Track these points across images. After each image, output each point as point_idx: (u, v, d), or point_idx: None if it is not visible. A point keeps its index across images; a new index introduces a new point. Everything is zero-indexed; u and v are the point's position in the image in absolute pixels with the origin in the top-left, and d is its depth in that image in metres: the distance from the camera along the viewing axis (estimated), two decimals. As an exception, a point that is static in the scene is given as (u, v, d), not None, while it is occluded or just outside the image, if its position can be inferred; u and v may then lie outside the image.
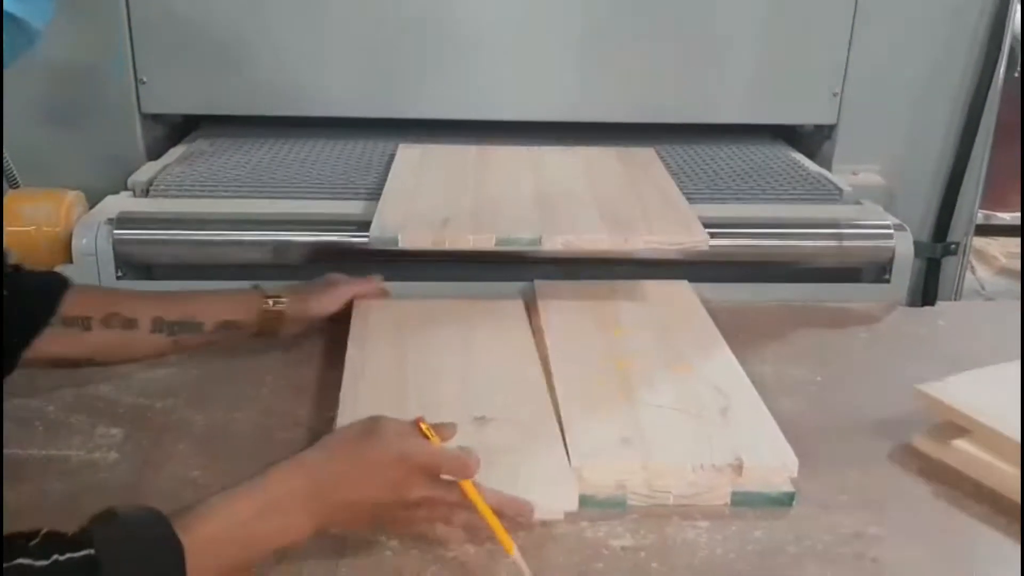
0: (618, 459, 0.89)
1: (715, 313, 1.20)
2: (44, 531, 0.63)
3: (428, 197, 1.32)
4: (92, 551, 0.62)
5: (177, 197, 1.41)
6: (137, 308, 1.06)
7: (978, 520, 0.89)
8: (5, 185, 1.43)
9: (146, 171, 1.48)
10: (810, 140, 1.70)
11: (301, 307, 1.13)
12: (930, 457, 0.97)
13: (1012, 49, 1.65)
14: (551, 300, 1.22)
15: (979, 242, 3.04)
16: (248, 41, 1.53)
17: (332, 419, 0.94)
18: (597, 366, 1.07)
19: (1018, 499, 0.88)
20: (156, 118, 1.61)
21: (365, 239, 1.20)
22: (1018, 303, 1.39)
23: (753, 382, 1.03)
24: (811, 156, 1.66)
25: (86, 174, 1.44)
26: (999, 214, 3.17)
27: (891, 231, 1.36)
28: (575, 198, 1.32)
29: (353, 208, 1.36)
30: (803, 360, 1.17)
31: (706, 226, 1.23)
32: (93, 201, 1.37)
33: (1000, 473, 0.91)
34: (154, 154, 1.58)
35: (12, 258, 1.09)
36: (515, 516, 0.82)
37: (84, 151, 1.52)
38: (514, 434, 0.92)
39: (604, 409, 0.97)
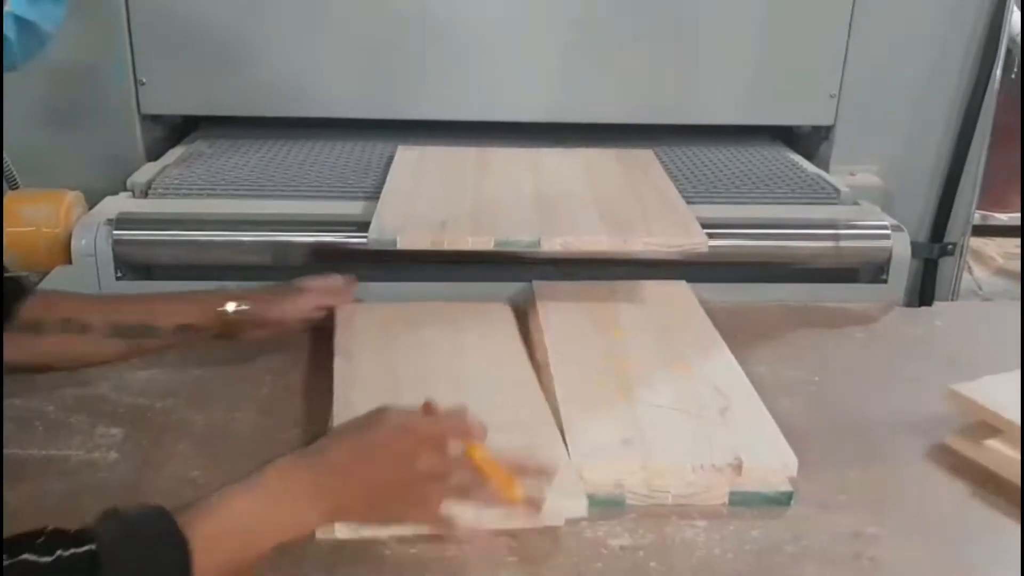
0: (618, 459, 0.89)
1: (714, 313, 1.20)
2: (49, 529, 0.63)
3: (427, 199, 1.32)
4: (94, 547, 0.63)
5: (176, 198, 1.41)
6: (92, 312, 1.04)
7: (977, 520, 0.89)
8: (5, 186, 1.43)
9: (145, 172, 1.48)
10: (808, 141, 1.70)
11: (262, 311, 1.10)
12: (941, 455, 0.97)
13: (1009, 51, 1.65)
14: (550, 301, 1.22)
15: (976, 243, 3.04)
16: (247, 42, 1.54)
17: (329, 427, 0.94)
18: (596, 366, 1.07)
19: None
20: (155, 119, 1.61)
21: (364, 240, 1.20)
22: (1015, 303, 1.40)
23: (752, 382, 1.04)
24: (809, 157, 1.67)
25: (85, 175, 1.44)
26: (996, 215, 3.18)
27: (888, 232, 1.37)
28: (574, 200, 1.33)
29: (352, 209, 1.36)
30: (801, 360, 1.17)
31: (704, 227, 1.23)
32: (92, 202, 1.38)
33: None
34: (153, 155, 1.58)
35: None
36: (535, 478, 0.82)
37: (83, 152, 1.52)
38: (514, 441, 0.91)
39: (603, 409, 0.98)
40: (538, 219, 1.25)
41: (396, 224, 1.21)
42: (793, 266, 1.39)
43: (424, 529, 0.81)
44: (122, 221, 1.30)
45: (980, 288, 2.93)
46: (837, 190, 1.48)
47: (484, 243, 1.18)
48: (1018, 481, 0.91)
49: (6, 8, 0.85)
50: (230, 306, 1.08)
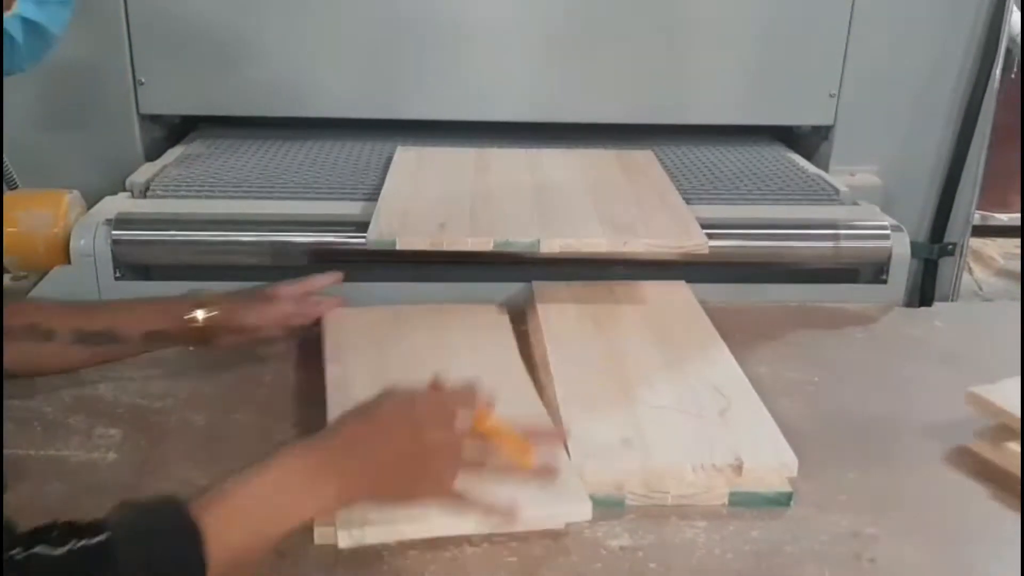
0: (618, 460, 0.89)
1: (713, 313, 1.20)
2: (61, 522, 0.63)
3: (426, 200, 1.32)
4: (107, 536, 0.62)
5: (175, 198, 1.41)
6: (56, 319, 0.99)
7: (977, 521, 0.89)
8: (4, 186, 1.43)
9: (144, 172, 1.48)
10: (807, 141, 1.70)
11: (231, 318, 1.06)
12: (941, 455, 0.97)
13: (1009, 50, 1.65)
14: (549, 301, 1.22)
15: (976, 243, 3.04)
16: (246, 42, 1.54)
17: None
18: (596, 367, 1.07)
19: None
20: (154, 119, 1.61)
21: (363, 240, 1.20)
22: (1015, 304, 1.40)
23: (751, 382, 1.04)
24: (808, 157, 1.66)
25: (84, 175, 1.44)
26: (997, 215, 3.18)
27: (888, 232, 1.36)
28: (574, 201, 1.32)
29: (351, 209, 1.35)
30: (801, 361, 1.17)
31: (704, 227, 1.23)
32: (91, 202, 1.37)
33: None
34: (152, 155, 1.58)
35: None
36: (547, 444, 0.83)
37: (82, 152, 1.52)
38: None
39: (603, 410, 0.97)
40: (537, 220, 1.24)
41: (395, 226, 1.21)
42: (793, 266, 1.39)
43: (429, 533, 0.81)
44: (121, 221, 1.30)
45: (980, 288, 2.93)
46: (837, 190, 1.48)
47: (483, 244, 1.18)
48: None
49: (15, 10, 0.85)
50: (199, 313, 1.04)
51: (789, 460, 0.90)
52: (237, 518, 0.70)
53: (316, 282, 1.16)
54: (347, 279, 1.31)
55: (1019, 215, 3.06)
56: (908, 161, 1.63)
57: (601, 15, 1.56)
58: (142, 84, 1.53)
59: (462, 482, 0.80)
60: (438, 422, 0.79)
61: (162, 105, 1.58)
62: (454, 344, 1.12)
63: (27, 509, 0.83)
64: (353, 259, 1.28)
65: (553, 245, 1.18)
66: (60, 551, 0.60)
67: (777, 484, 0.89)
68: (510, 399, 0.99)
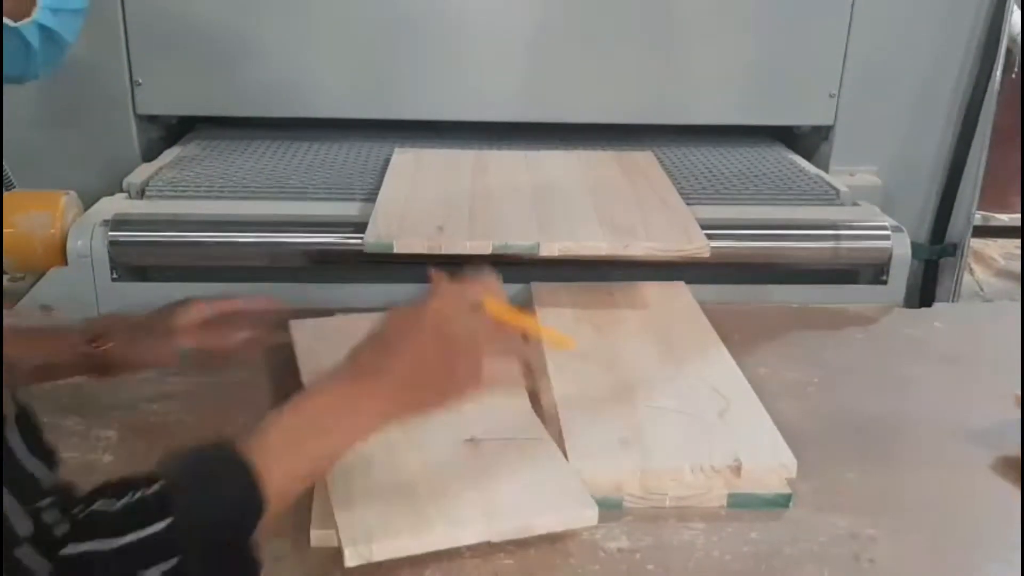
0: (616, 461, 0.89)
1: (712, 314, 1.20)
2: (116, 478, 0.63)
3: (423, 203, 1.31)
4: (162, 484, 0.62)
5: (172, 199, 1.40)
6: None
7: (976, 521, 0.89)
8: (2, 188, 1.43)
9: (141, 173, 1.47)
10: (807, 141, 1.70)
11: (125, 353, 0.98)
12: (940, 456, 0.97)
13: (1009, 51, 1.65)
14: (548, 302, 1.22)
15: (977, 244, 3.03)
16: (243, 43, 1.53)
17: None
18: (594, 368, 1.06)
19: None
20: (151, 120, 1.60)
21: (360, 241, 1.20)
22: (1015, 304, 1.39)
23: (751, 383, 1.03)
24: (808, 158, 1.66)
25: (81, 176, 1.44)
26: (998, 215, 3.17)
27: (888, 232, 1.36)
28: (573, 203, 1.32)
29: (349, 210, 1.35)
30: (800, 361, 1.17)
31: (703, 227, 1.23)
32: (88, 203, 1.37)
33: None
34: (149, 156, 1.58)
35: None
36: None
37: (79, 153, 1.52)
38: (512, 454, 0.91)
39: (602, 411, 0.97)
40: (537, 223, 1.24)
41: (393, 228, 1.21)
42: (792, 267, 1.38)
43: (435, 546, 0.80)
44: (118, 222, 1.30)
45: (982, 289, 2.93)
46: (837, 191, 1.48)
47: (482, 248, 1.17)
48: None
49: (34, 17, 0.86)
50: (91, 346, 0.97)
51: (788, 461, 0.89)
52: (283, 454, 0.69)
53: (229, 305, 1.03)
54: (345, 280, 1.31)
55: (1019, 215, 3.06)
56: (908, 161, 1.62)
57: (600, 15, 1.56)
58: (139, 85, 1.53)
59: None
60: (452, 317, 0.79)
61: (159, 106, 1.57)
62: None
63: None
64: (350, 260, 1.28)
65: (552, 248, 1.18)
66: (119, 505, 0.61)
67: (776, 485, 0.88)
68: (506, 410, 0.99)
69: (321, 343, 1.10)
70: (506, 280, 1.26)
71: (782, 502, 0.88)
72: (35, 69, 0.91)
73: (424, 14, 1.54)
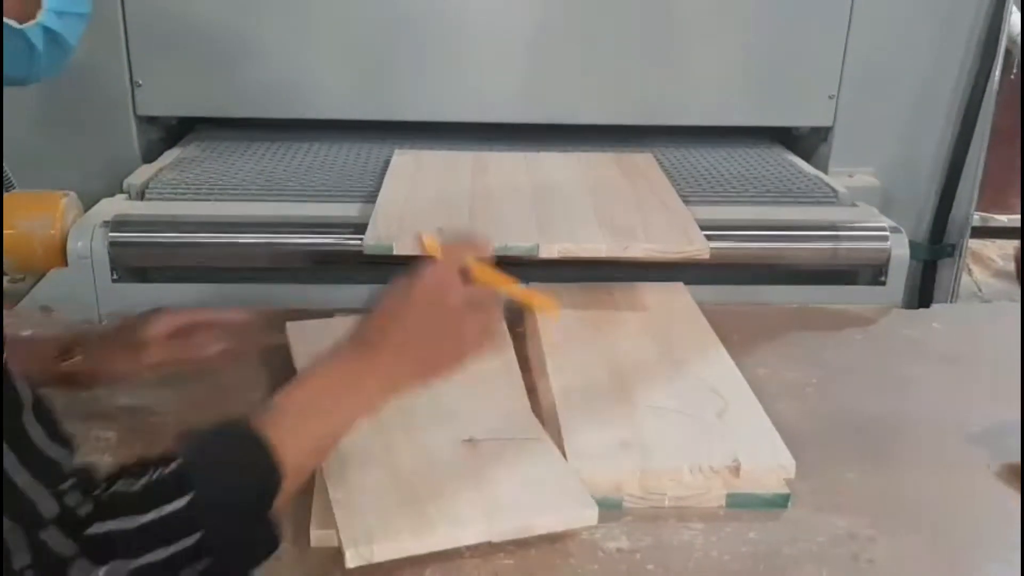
0: (615, 461, 0.89)
1: (711, 315, 1.20)
2: (133, 460, 0.64)
3: (423, 204, 1.31)
4: (180, 462, 0.63)
5: (172, 200, 1.40)
6: None
7: (975, 521, 0.89)
8: (2, 189, 1.43)
9: (141, 174, 1.48)
10: (806, 142, 1.70)
11: (98, 365, 0.98)
12: (939, 456, 0.97)
13: (1008, 51, 1.65)
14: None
15: (976, 244, 3.04)
16: (243, 44, 1.53)
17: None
18: (593, 369, 1.06)
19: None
20: (151, 121, 1.61)
21: (361, 242, 1.20)
22: (1014, 305, 1.39)
23: (750, 384, 1.03)
24: (807, 159, 1.66)
25: (81, 177, 1.44)
26: (996, 216, 3.17)
27: (887, 233, 1.36)
28: (573, 205, 1.32)
29: (349, 211, 1.35)
30: (799, 362, 1.17)
31: (702, 228, 1.23)
32: (88, 204, 1.37)
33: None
34: (149, 157, 1.58)
35: None
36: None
37: (79, 154, 1.52)
38: (512, 454, 0.91)
39: (601, 412, 0.97)
40: (536, 225, 1.24)
41: (392, 230, 1.21)
42: (791, 268, 1.38)
43: (436, 547, 0.80)
44: (118, 223, 1.30)
45: (980, 290, 2.93)
46: (836, 192, 1.48)
47: None
48: None
49: (39, 20, 0.86)
50: (60, 359, 0.97)
51: (786, 461, 0.89)
52: (294, 431, 0.70)
53: (199, 315, 1.01)
54: (345, 281, 1.31)
55: (1019, 216, 3.06)
56: (907, 162, 1.63)
57: (599, 17, 1.56)
58: (139, 86, 1.53)
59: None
60: (446, 287, 0.80)
61: (159, 107, 1.58)
62: None
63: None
64: (350, 261, 1.28)
65: (552, 250, 1.18)
66: (139, 484, 0.62)
67: (775, 485, 0.88)
68: (503, 410, 0.99)
69: (317, 345, 1.10)
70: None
71: (781, 502, 0.88)
72: (38, 72, 0.91)
73: (424, 16, 1.54)
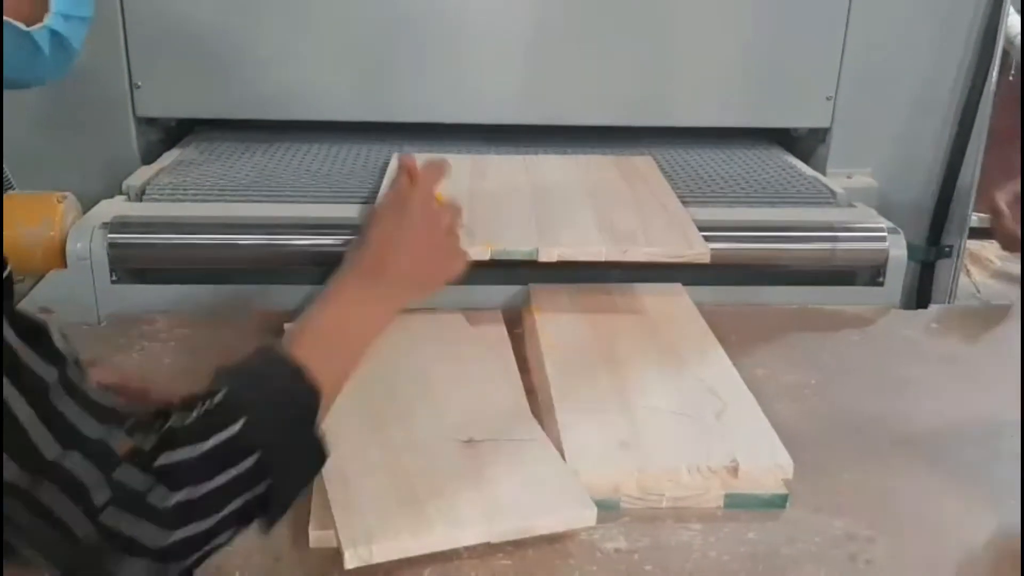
0: (614, 462, 0.89)
1: (709, 316, 1.20)
2: (179, 398, 0.67)
3: None
4: (226, 391, 0.66)
5: (172, 201, 1.40)
6: None
7: (974, 522, 0.89)
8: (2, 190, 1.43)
9: (140, 175, 1.48)
10: (804, 144, 1.70)
11: None
12: (937, 456, 0.97)
13: (1006, 52, 1.65)
14: (545, 304, 1.22)
15: (973, 245, 3.03)
16: (242, 46, 1.54)
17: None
18: (592, 369, 1.07)
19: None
20: (151, 122, 1.61)
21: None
22: (1011, 306, 1.40)
23: (748, 385, 1.04)
24: (806, 160, 1.66)
25: (80, 178, 1.43)
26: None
27: (885, 234, 1.36)
28: (572, 208, 1.32)
29: (349, 212, 1.35)
30: (797, 363, 1.17)
31: (701, 229, 1.23)
32: (87, 205, 1.37)
33: None
34: (148, 158, 1.58)
35: None
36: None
37: (78, 155, 1.52)
38: (510, 454, 0.91)
39: (599, 413, 0.97)
40: (536, 228, 1.23)
41: None
42: (790, 269, 1.39)
43: (435, 547, 0.80)
44: (117, 225, 1.30)
45: (978, 291, 2.93)
46: (834, 193, 1.48)
47: (480, 253, 1.16)
48: None
49: (46, 23, 0.87)
50: None
51: (785, 462, 0.90)
52: (322, 354, 0.74)
53: (132, 382, 0.91)
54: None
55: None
56: (905, 163, 1.63)
57: (598, 19, 1.56)
58: (138, 87, 1.53)
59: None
60: (436, 211, 0.89)
61: (158, 108, 1.58)
62: (425, 355, 1.11)
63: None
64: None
65: (552, 254, 1.17)
66: (191, 418, 0.64)
67: (773, 486, 0.89)
68: (502, 410, 0.99)
69: None
70: (504, 281, 1.28)
71: (779, 503, 0.88)
72: (43, 74, 0.92)
73: (423, 17, 1.54)
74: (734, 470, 0.88)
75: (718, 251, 1.29)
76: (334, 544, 0.79)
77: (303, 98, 1.58)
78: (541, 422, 0.97)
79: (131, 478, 0.61)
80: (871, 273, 1.37)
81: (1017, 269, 3.00)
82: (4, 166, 1.43)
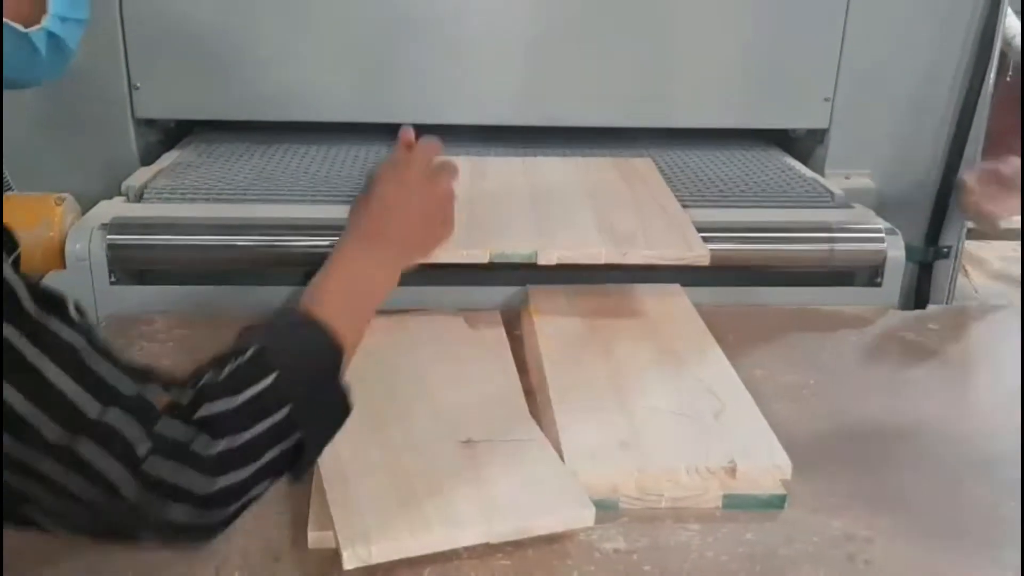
0: (612, 463, 0.89)
1: (708, 316, 1.20)
2: (208, 358, 0.69)
3: None
4: (256, 347, 0.69)
5: (171, 202, 1.40)
6: None
7: (972, 522, 0.89)
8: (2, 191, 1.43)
9: (140, 176, 1.48)
10: (803, 145, 1.71)
11: None
12: (936, 457, 0.97)
13: (1003, 54, 1.65)
14: (544, 304, 1.22)
15: (972, 246, 3.03)
16: (241, 47, 1.54)
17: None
18: (590, 370, 1.07)
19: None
20: (150, 123, 1.60)
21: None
22: (1010, 307, 1.40)
23: (746, 385, 1.04)
24: (804, 161, 1.67)
25: (79, 179, 1.44)
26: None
27: (883, 235, 1.37)
28: (572, 210, 1.31)
29: (347, 213, 1.35)
30: (796, 363, 1.17)
31: (699, 230, 1.23)
32: (86, 207, 1.37)
33: None
34: (148, 159, 1.58)
35: None
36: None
37: (77, 156, 1.52)
38: (509, 455, 0.91)
39: (598, 413, 0.98)
40: (535, 231, 1.23)
41: None
42: (788, 270, 1.39)
43: (434, 547, 0.80)
44: (116, 226, 1.30)
45: (976, 292, 2.92)
46: (832, 194, 1.48)
47: (479, 256, 1.16)
48: None
49: (44, 24, 0.88)
50: None
51: (783, 462, 0.90)
52: (339, 312, 0.77)
53: None
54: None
55: (1015, 218, 3.06)
56: (903, 164, 1.63)
57: (596, 19, 1.56)
58: (137, 88, 1.53)
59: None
60: (426, 177, 0.93)
61: (157, 109, 1.58)
62: (423, 356, 1.11)
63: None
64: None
65: (551, 257, 1.17)
66: (224, 374, 0.67)
67: (771, 486, 0.89)
68: (500, 411, 0.99)
69: None
70: (503, 282, 1.28)
71: (777, 503, 0.88)
72: (40, 75, 0.93)
73: (422, 19, 1.54)
74: (732, 471, 0.89)
75: (717, 252, 1.29)
76: (333, 545, 0.79)
77: (302, 99, 1.58)
78: (540, 423, 0.98)
79: (173, 430, 0.63)
80: (869, 274, 1.37)
81: (1016, 270, 3.00)
82: (3, 167, 1.43)
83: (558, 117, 1.63)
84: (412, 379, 1.04)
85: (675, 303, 1.25)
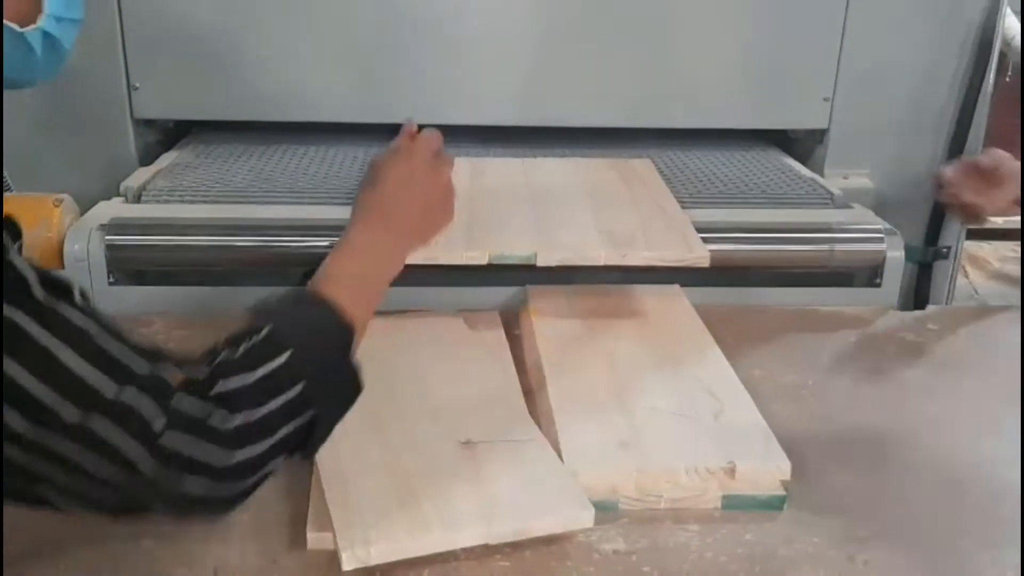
0: (612, 463, 0.89)
1: (707, 317, 1.20)
2: (223, 338, 0.71)
3: None
4: (270, 327, 0.70)
5: (169, 203, 1.40)
6: None
7: (972, 523, 0.89)
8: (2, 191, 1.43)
9: (138, 177, 1.48)
10: (802, 145, 1.71)
11: None
12: (935, 457, 0.97)
13: (1003, 54, 1.66)
14: (543, 305, 1.22)
15: (971, 246, 3.04)
16: (241, 47, 1.54)
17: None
18: (590, 371, 1.07)
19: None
20: (148, 124, 1.61)
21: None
22: (1009, 307, 1.40)
23: (746, 386, 1.04)
24: (803, 161, 1.67)
25: (78, 180, 1.44)
26: (992, 218, 3.17)
27: (882, 235, 1.37)
28: (571, 211, 1.31)
29: (346, 214, 1.34)
30: (795, 364, 1.17)
31: (699, 231, 1.23)
32: (85, 207, 1.37)
33: None
34: (146, 160, 1.58)
35: None
36: None
37: (76, 157, 1.52)
38: (508, 456, 0.91)
39: (597, 414, 0.97)
40: (534, 232, 1.23)
41: None
42: (787, 270, 1.39)
43: (433, 548, 0.80)
44: (115, 226, 1.30)
45: (976, 292, 2.93)
46: (831, 194, 1.48)
47: (479, 258, 1.16)
48: None
49: (40, 24, 0.88)
50: None
51: (782, 463, 0.90)
52: (348, 295, 0.78)
53: None
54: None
55: (1015, 218, 3.06)
56: (902, 165, 1.63)
57: (596, 20, 1.56)
58: (136, 89, 1.53)
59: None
60: (429, 165, 0.95)
61: (156, 110, 1.58)
62: (422, 357, 1.10)
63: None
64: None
65: (551, 259, 1.16)
66: (239, 352, 0.69)
67: (770, 487, 0.89)
68: (499, 411, 0.99)
69: None
70: (502, 283, 1.28)
71: (776, 504, 0.88)
72: (35, 75, 0.93)
73: (422, 19, 1.54)
74: (732, 471, 0.88)
75: (716, 252, 1.29)
76: (331, 546, 0.79)
77: (302, 99, 1.58)
78: (539, 423, 0.97)
79: (189, 405, 0.64)
80: (868, 274, 1.37)
81: (1016, 270, 3.01)
82: (3, 168, 1.43)
83: (558, 118, 1.63)
84: (412, 379, 1.04)
85: (674, 303, 1.25)
